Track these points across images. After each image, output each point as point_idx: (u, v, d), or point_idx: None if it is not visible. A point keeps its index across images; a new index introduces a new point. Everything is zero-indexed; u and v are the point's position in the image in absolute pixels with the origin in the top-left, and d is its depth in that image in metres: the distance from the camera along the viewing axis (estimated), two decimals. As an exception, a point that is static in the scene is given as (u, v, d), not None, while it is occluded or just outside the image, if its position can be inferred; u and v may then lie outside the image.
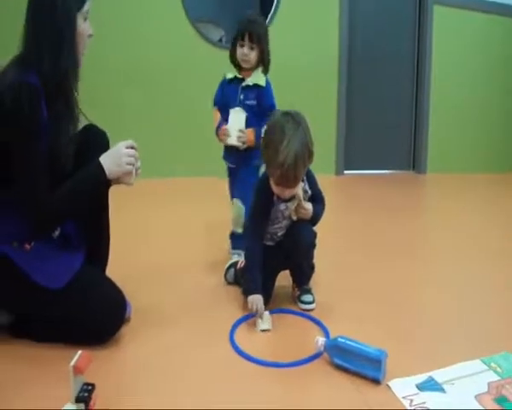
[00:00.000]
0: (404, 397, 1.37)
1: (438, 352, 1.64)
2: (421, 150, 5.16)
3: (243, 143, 2.22)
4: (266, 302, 1.83)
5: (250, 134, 2.23)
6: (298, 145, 1.70)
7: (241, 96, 2.26)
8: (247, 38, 2.21)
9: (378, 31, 5.01)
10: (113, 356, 1.57)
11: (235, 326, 1.77)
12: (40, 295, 1.53)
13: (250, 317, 1.81)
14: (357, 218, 3.43)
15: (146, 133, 3.93)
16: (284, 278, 2.05)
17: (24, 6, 1.54)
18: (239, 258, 2.20)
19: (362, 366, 1.46)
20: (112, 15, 4.15)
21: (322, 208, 1.98)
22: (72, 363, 1.21)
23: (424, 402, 1.35)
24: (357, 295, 2.10)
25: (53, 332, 1.60)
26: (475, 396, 1.38)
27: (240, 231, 2.31)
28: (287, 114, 1.78)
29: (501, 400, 1.36)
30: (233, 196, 2.39)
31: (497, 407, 1.33)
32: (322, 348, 1.55)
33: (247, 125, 2.23)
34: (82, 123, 1.70)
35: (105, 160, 1.61)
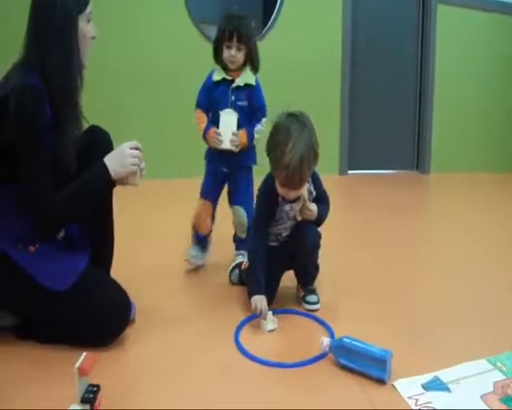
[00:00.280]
0: (409, 397, 1.37)
1: (443, 352, 1.63)
2: (424, 150, 5.15)
3: (236, 146, 2.15)
4: (270, 303, 1.83)
5: (243, 136, 2.15)
6: (303, 147, 1.70)
7: (233, 98, 2.16)
8: (235, 39, 2.10)
9: (381, 30, 5.00)
10: (117, 357, 1.57)
11: (239, 327, 1.77)
12: (45, 297, 1.54)
13: (254, 318, 1.81)
14: (360, 218, 3.43)
15: (149, 135, 3.92)
16: (289, 279, 2.05)
17: (27, 10, 1.55)
18: (243, 259, 2.20)
19: (367, 367, 1.46)
20: (114, 16, 4.15)
21: (327, 209, 1.97)
22: (77, 365, 1.21)
23: (430, 402, 1.35)
24: (361, 295, 2.09)
25: (57, 334, 1.60)
26: (481, 396, 1.37)
27: (243, 236, 2.28)
28: (292, 115, 1.77)
29: (507, 399, 1.36)
30: (233, 203, 2.29)
31: (502, 406, 1.33)
32: (327, 349, 1.55)
33: (239, 126, 2.15)
34: (85, 124, 1.71)
35: (109, 160, 1.61)
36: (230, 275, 2.18)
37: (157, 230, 2.99)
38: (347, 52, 4.80)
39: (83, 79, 1.61)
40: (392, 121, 5.11)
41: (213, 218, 2.32)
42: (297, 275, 2.03)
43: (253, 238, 1.94)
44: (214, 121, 2.18)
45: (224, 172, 2.26)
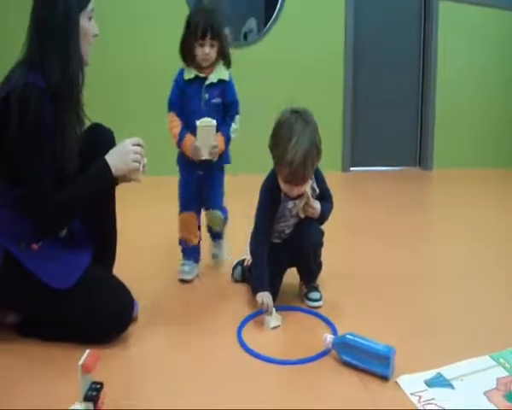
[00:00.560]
0: (412, 394, 1.37)
1: (446, 348, 1.63)
2: (427, 147, 5.13)
3: (216, 156, 2.05)
4: (273, 299, 1.82)
5: (220, 143, 2.04)
6: (307, 144, 1.70)
7: (206, 96, 2.06)
8: (208, 36, 1.98)
9: (384, 27, 4.97)
10: (120, 355, 1.57)
11: (242, 324, 1.77)
12: (48, 296, 1.54)
13: (257, 314, 1.81)
14: (363, 214, 3.42)
15: (151, 133, 3.92)
16: (291, 276, 2.05)
17: (28, 9, 1.55)
18: (246, 256, 2.19)
19: (370, 363, 1.46)
20: (115, 16, 4.14)
21: (330, 207, 1.97)
22: (81, 362, 1.21)
23: (433, 399, 1.34)
24: (364, 291, 2.09)
25: (60, 331, 1.61)
26: (484, 392, 1.37)
27: (220, 229, 2.24)
28: (295, 112, 1.77)
29: (510, 396, 1.36)
30: (211, 206, 2.20)
31: (506, 403, 1.33)
32: (330, 346, 1.55)
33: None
34: (87, 123, 1.71)
35: (111, 157, 1.61)
36: (233, 272, 2.18)
37: (159, 226, 2.98)
38: (350, 49, 4.79)
39: (84, 77, 1.61)
40: (394, 118, 5.09)
41: (199, 225, 2.25)
42: (300, 272, 2.03)
43: (255, 235, 1.94)
44: (187, 122, 2.06)
45: (200, 174, 2.15)
